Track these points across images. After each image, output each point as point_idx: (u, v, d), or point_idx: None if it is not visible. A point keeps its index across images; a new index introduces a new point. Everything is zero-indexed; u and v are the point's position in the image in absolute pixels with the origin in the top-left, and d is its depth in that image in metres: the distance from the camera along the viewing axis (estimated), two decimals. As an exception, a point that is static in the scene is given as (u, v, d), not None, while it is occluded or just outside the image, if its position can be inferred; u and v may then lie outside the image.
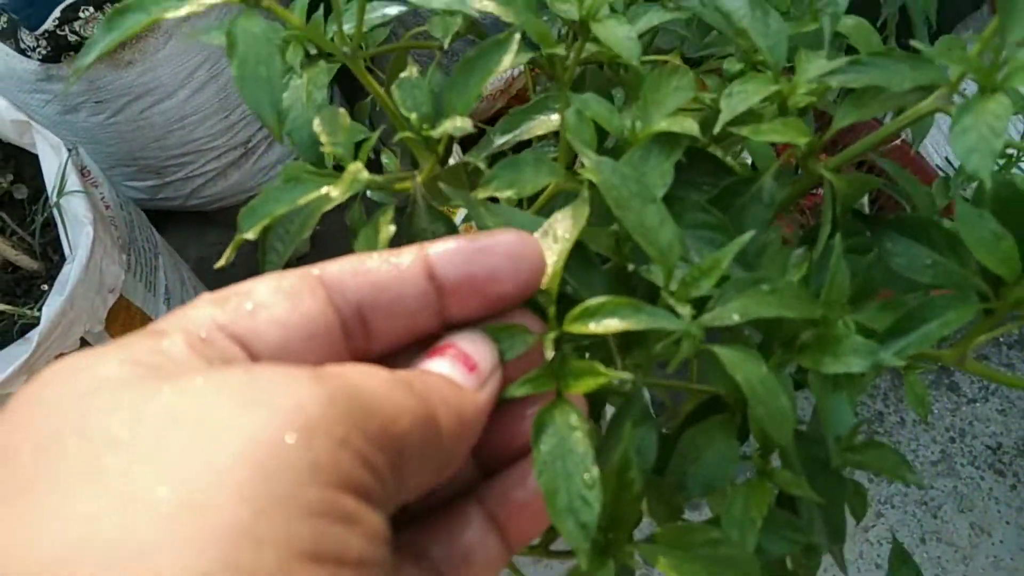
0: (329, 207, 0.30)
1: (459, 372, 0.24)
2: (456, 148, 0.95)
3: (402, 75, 0.32)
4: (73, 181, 0.88)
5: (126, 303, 0.95)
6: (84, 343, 0.90)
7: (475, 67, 0.31)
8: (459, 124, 0.29)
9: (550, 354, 0.26)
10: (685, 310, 0.27)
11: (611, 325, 0.25)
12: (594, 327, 0.26)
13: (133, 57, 1.11)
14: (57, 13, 1.00)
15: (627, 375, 0.25)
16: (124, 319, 0.95)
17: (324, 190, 0.29)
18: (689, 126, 0.29)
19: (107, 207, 0.94)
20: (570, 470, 0.24)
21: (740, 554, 0.27)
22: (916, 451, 1.35)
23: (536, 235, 0.27)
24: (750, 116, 0.32)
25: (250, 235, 0.30)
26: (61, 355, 0.88)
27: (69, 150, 0.90)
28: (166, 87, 1.17)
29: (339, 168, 0.31)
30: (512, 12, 0.31)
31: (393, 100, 0.31)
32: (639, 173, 0.29)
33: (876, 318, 0.31)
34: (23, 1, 0.98)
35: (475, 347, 0.25)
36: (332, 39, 0.35)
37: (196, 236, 1.50)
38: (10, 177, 0.97)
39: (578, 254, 0.29)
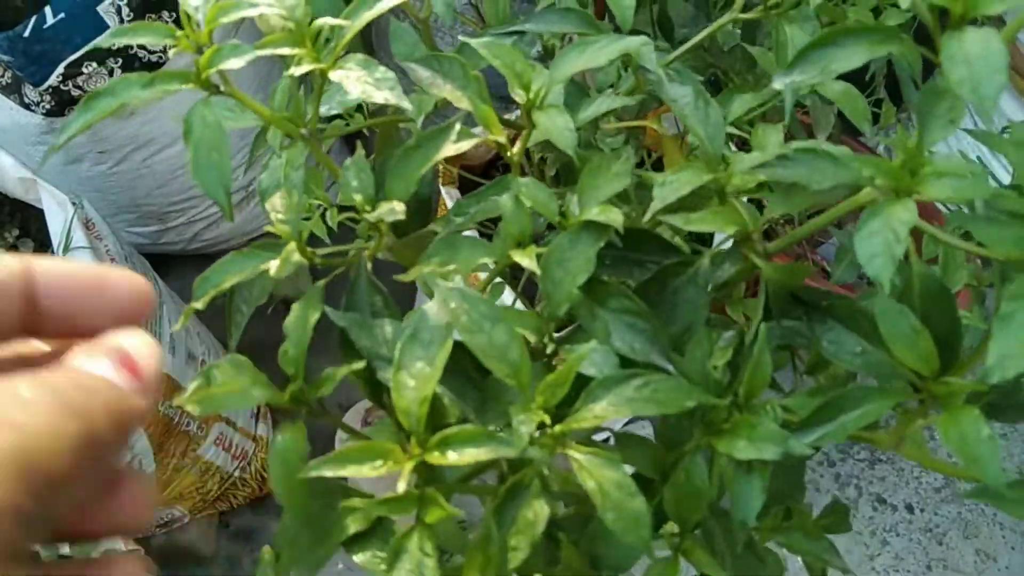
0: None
1: (124, 378, 0.24)
2: (446, 198, 0.97)
3: (349, 159, 0.34)
4: (79, 236, 0.89)
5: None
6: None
7: (415, 155, 0.32)
8: (394, 209, 0.30)
9: (402, 487, 0.27)
10: (530, 427, 0.28)
11: (469, 455, 0.27)
12: (454, 457, 0.27)
13: (136, 109, 1.13)
14: (61, 69, 1.02)
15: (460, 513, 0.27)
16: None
17: (264, 266, 0.31)
18: (614, 217, 0.31)
19: (112, 260, 0.95)
20: None
21: None
22: (919, 478, 1.35)
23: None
24: (691, 200, 0.33)
25: (199, 305, 0.32)
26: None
27: (74, 204, 0.92)
28: (168, 135, 1.19)
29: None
30: (465, 99, 0.32)
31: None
32: (566, 259, 0.31)
33: (805, 403, 0.32)
34: (27, 58, 1.00)
35: (141, 352, 0.25)
36: (308, 120, 0.37)
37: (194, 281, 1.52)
38: (16, 232, 0.98)
39: (455, 368, 0.30)
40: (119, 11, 1.03)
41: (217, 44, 0.35)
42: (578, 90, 0.40)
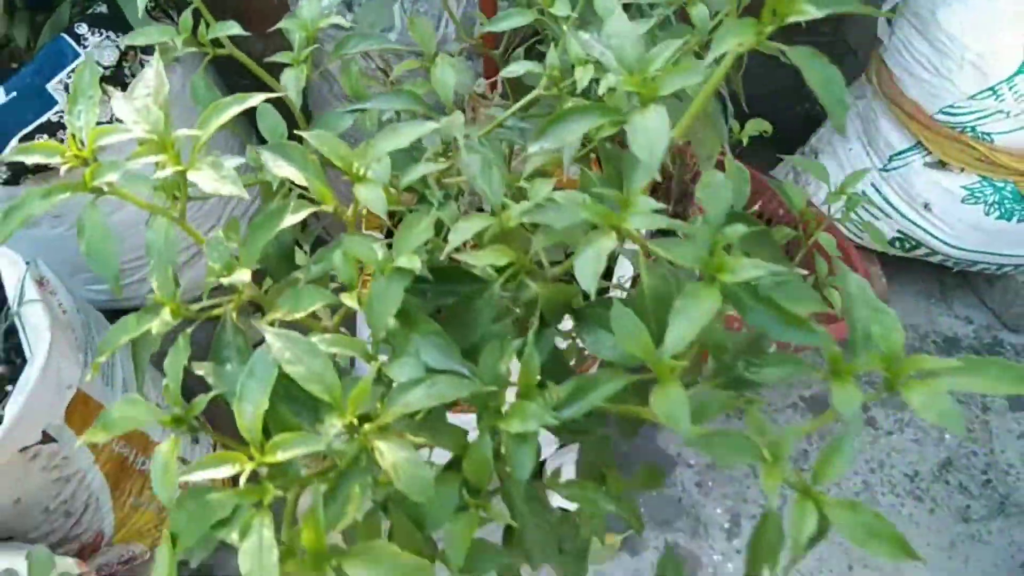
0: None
1: None
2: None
3: (211, 235, 0.43)
4: (31, 291, 0.98)
5: (84, 397, 1.04)
6: (46, 436, 0.99)
7: (260, 229, 0.42)
8: (240, 279, 0.40)
9: (243, 482, 0.37)
10: (336, 428, 0.37)
11: (292, 452, 0.37)
12: (283, 456, 0.37)
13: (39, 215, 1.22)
14: (14, 143, 1.12)
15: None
16: (83, 412, 1.04)
17: (147, 327, 0.40)
18: (414, 263, 0.40)
19: (64, 312, 1.04)
20: (264, 560, 0.35)
21: (416, 562, 0.36)
22: (839, 483, 1.44)
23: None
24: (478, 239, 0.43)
25: (101, 359, 0.42)
26: (25, 448, 0.97)
27: (27, 263, 1.01)
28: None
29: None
30: (303, 178, 0.42)
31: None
32: (382, 297, 0.40)
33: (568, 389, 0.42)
34: (-16, 135, 1.10)
35: None
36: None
37: (158, 331, 1.60)
38: (-26, 292, 1.06)
39: (292, 391, 0.40)
40: (66, 88, 1.13)
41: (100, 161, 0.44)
42: (407, 156, 0.50)
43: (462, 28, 0.78)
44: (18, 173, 1.16)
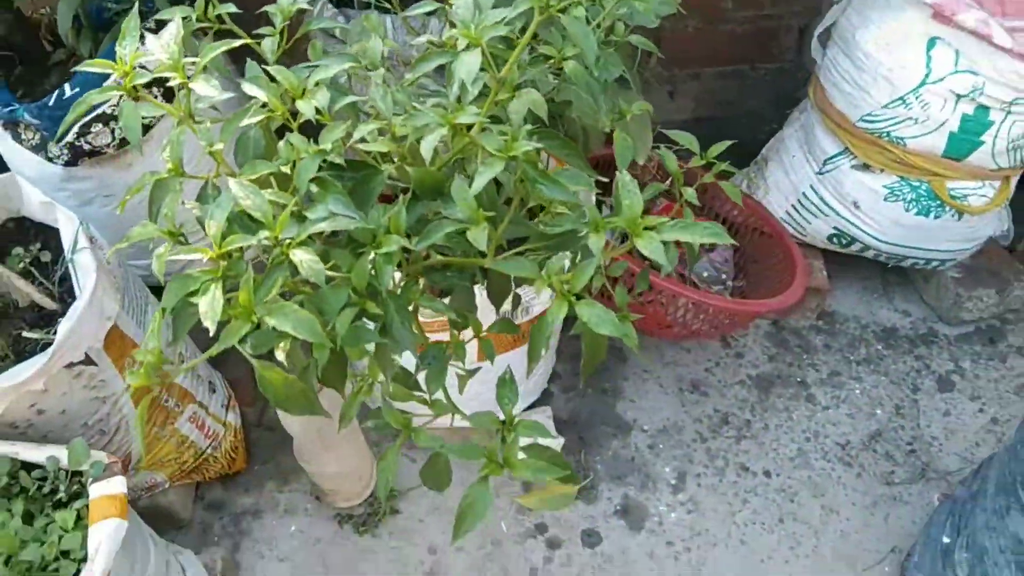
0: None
1: None
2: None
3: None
4: (83, 242, 1.22)
5: (119, 332, 1.27)
6: (88, 359, 1.22)
7: (234, 120, 0.65)
8: (217, 148, 0.63)
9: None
10: (266, 241, 0.59)
11: (237, 244, 0.59)
12: (230, 248, 0.59)
13: (133, 160, 1.48)
14: (76, 129, 1.38)
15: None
16: (119, 344, 1.27)
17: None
18: (327, 147, 0.62)
19: (108, 263, 1.28)
20: (214, 304, 0.56)
21: (307, 317, 0.57)
22: (777, 449, 1.62)
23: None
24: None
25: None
26: (71, 365, 1.20)
27: (81, 222, 1.25)
28: (158, 182, 1.54)
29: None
30: (265, 94, 0.65)
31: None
32: (307, 167, 0.63)
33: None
34: (51, 121, 1.36)
35: None
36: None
37: (188, 306, 1.84)
38: (38, 246, 1.32)
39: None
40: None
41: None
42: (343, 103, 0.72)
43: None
44: (77, 155, 1.42)
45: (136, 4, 1.34)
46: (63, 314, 1.26)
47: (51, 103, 1.34)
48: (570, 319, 0.62)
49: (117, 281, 1.29)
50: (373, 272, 0.60)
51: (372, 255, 0.61)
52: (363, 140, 0.64)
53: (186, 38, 0.69)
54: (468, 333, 0.79)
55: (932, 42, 1.42)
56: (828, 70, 1.60)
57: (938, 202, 1.56)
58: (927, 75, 1.43)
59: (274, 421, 1.70)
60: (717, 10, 1.94)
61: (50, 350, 1.14)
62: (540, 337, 0.64)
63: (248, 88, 0.66)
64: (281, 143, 0.65)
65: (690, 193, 0.93)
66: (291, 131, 0.66)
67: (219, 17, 0.81)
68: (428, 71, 0.65)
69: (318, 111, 0.65)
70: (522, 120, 0.62)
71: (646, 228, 0.60)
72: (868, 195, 1.59)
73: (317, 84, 0.65)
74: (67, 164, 1.44)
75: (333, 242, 0.64)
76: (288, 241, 0.59)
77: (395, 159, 0.66)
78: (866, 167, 1.58)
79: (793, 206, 1.72)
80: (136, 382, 0.60)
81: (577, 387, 1.70)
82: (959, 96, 1.43)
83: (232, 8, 0.80)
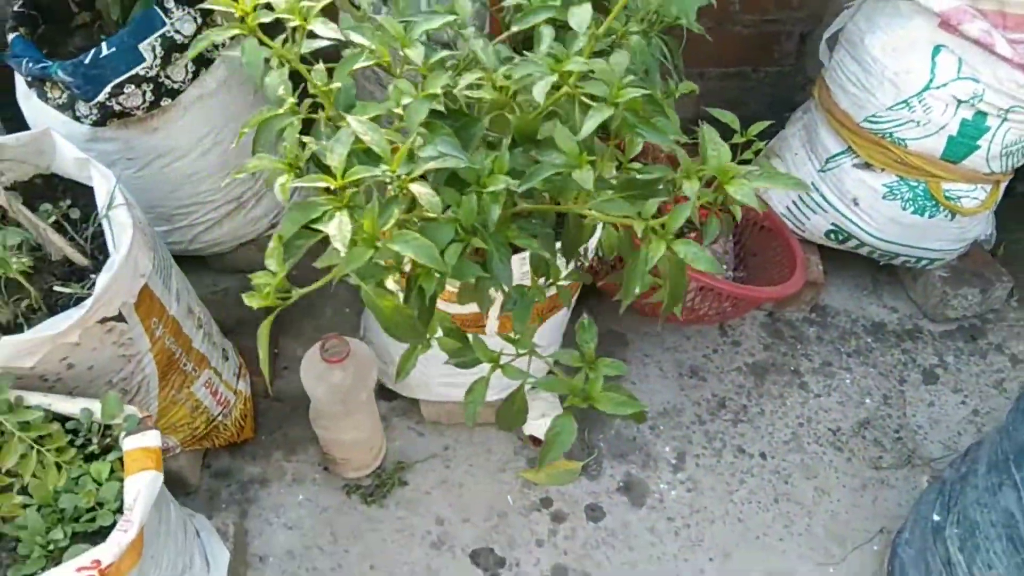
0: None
1: None
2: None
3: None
4: (119, 199, 1.24)
5: (149, 292, 1.29)
6: (119, 316, 1.23)
7: (344, 66, 0.68)
8: (334, 85, 0.66)
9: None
10: (387, 173, 0.63)
11: (360, 175, 0.62)
12: (353, 177, 0.62)
13: (159, 124, 1.49)
14: (108, 89, 1.39)
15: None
16: (148, 303, 1.28)
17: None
18: (435, 89, 0.66)
19: (139, 222, 1.29)
20: (343, 230, 0.60)
21: (426, 243, 0.61)
22: (772, 433, 1.68)
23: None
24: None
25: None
26: (104, 320, 1.21)
27: (116, 179, 1.27)
28: (181, 148, 1.55)
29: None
30: (371, 41, 0.68)
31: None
32: (417, 109, 0.66)
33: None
34: (85, 79, 1.37)
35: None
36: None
37: (194, 277, 1.84)
38: (68, 202, 1.32)
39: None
40: (153, 49, 1.40)
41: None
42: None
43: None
44: (106, 115, 1.43)
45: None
46: (95, 271, 1.27)
47: (87, 61, 1.35)
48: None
49: (148, 238, 1.30)
50: (478, 210, 0.64)
51: (477, 194, 0.65)
52: (470, 87, 0.68)
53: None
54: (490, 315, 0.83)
55: (937, 49, 1.50)
56: (835, 72, 1.67)
57: (933, 202, 1.64)
58: (931, 80, 1.51)
59: (283, 392, 1.72)
60: (726, 12, 2.01)
61: (87, 302, 1.15)
62: (635, 273, 0.68)
63: (355, 36, 0.69)
64: (391, 88, 0.68)
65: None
66: (392, 79, 0.69)
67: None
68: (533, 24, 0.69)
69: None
70: (623, 71, 0.66)
71: (734, 176, 0.65)
72: (868, 193, 1.67)
73: (423, 33, 0.69)
74: (95, 124, 1.45)
75: (437, 181, 0.68)
76: (405, 176, 0.62)
77: (490, 108, 0.70)
78: (867, 166, 1.65)
79: (794, 202, 1.79)
80: (259, 303, 0.63)
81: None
82: (960, 101, 1.51)
83: None
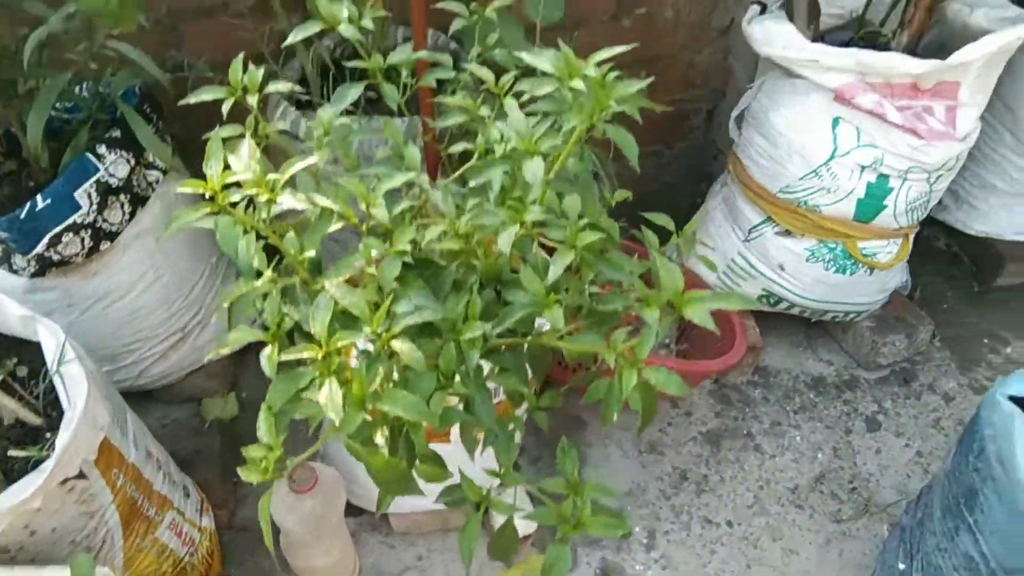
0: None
1: None
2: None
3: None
4: (70, 353, 1.22)
5: (108, 443, 1.26)
6: (80, 473, 1.21)
7: (314, 232, 0.71)
8: (308, 254, 0.69)
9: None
10: (368, 335, 0.66)
11: (346, 340, 0.65)
12: (340, 344, 0.65)
13: (98, 268, 1.49)
14: (46, 240, 1.38)
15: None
16: (107, 455, 1.26)
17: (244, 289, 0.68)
18: (405, 247, 0.70)
19: (92, 374, 1.28)
20: (334, 397, 0.63)
21: (415, 400, 0.64)
22: (735, 499, 1.73)
23: None
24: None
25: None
26: (65, 480, 1.19)
27: (64, 333, 1.25)
28: (122, 288, 1.54)
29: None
30: (338, 205, 0.72)
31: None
32: (389, 266, 0.70)
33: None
34: (21, 234, 1.36)
35: None
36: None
37: (143, 412, 1.81)
38: (15, 360, 1.30)
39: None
40: (89, 196, 1.41)
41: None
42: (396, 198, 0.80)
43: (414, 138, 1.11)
44: (45, 266, 1.42)
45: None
46: (50, 429, 1.24)
47: (23, 216, 1.35)
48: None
49: (101, 389, 1.28)
50: (457, 357, 0.68)
51: (454, 342, 0.68)
52: (437, 239, 0.72)
53: (256, 153, 0.75)
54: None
55: (836, 121, 1.62)
56: (746, 148, 1.78)
57: (852, 260, 1.74)
58: (835, 150, 1.63)
59: (246, 521, 1.68)
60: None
61: (47, 465, 1.13)
62: (611, 401, 0.72)
63: (321, 200, 0.73)
64: (361, 246, 0.71)
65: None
66: (361, 236, 0.73)
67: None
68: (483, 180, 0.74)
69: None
70: (577, 214, 0.71)
71: (690, 300, 0.70)
72: (791, 258, 1.77)
73: (385, 193, 0.73)
74: (33, 275, 1.43)
75: (412, 331, 0.71)
76: (385, 334, 0.65)
77: (455, 255, 0.74)
78: (788, 233, 1.75)
79: (724, 271, 1.88)
80: (258, 478, 0.64)
81: (544, 458, 1.77)
82: (863, 167, 1.63)
83: (283, 125, 0.87)
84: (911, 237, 1.81)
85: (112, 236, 1.48)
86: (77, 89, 1.54)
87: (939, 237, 2.28)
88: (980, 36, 1.58)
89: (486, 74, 0.85)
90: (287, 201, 0.70)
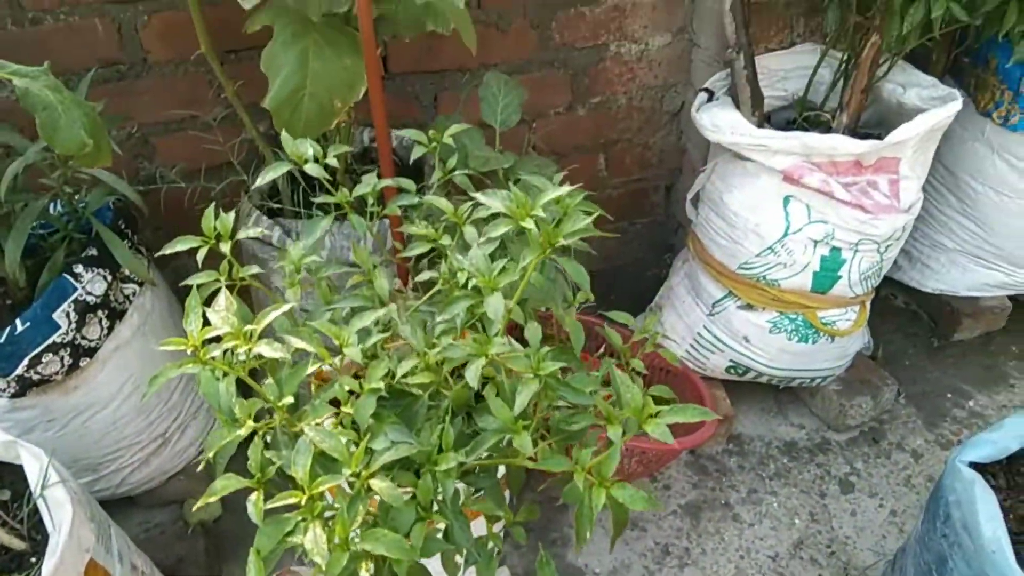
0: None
1: None
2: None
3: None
4: (54, 476, 1.24)
5: (94, 564, 1.27)
6: (66, 596, 1.21)
7: (292, 377, 0.76)
8: (285, 401, 0.73)
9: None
10: (345, 477, 0.70)
11: (328, 484, 0.69)
12: (322, 488, 0.69)
13: (78, 383, 1.51)
14: (26, 362, 1.41)
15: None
16: (92, 574, 1.27)
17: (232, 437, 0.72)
18: (378, 385, 0.74)
19: (75, 494, 1.29)
20: (319, 541, 0.66)
21: (396, 538, 0.68)
22: (717, 571, 1.75)
23: None
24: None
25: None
26: (52, 606, 1.19)
27: (47, 456, 1.27)
28: (101, 401, 1.56)
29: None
30: (312, 346, 0.76)
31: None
32: (364, 405, 0.74)
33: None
34: (0, 357, 1.39)
35: None
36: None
37: (124, 519, 1.81)
38: (-3, 485, 1.31)
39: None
40: (68, 315, 1.44)
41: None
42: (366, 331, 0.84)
43: (383, 247, 1.16)
44: (24, 387, 1.44)
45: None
46: (34, 553, 1.25)
47: (2, 340, 1.37)
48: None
49: (87, 509, 1.30)
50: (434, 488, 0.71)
51: (431, 473, 0.72)
52: (409, 373, 0.76)
53: (233, 305, 0.80)
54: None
55: (787, 200, 1.70)
56: (703, 227, 1.86)
57: (813, 330, 1.81)
58: (788, 227, 1.70)
59: None
60: (597, 179, 2.20)
61: (33, 594, 1.14)
62: (584, 520, 0.76)
63: (297, 343, 0.77)
64: (335, 386, 0.76)
65: (637, 363, 1.09)
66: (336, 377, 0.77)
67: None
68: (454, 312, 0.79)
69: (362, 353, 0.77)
70: (538, 343, 0.76)
71: (650, 416, 0.75)
72: (755, 330, 1.83)
73: (358, 332, 0.78)
74: (13, 396, 1.45)
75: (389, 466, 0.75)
76: (365, 474, 0.69)
77: (427, 387, 0.78)
78: (749, 306, 1.82)
79: (692, 345, 1.94)
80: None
81: (528, 544, 1.79)
82: (816, 242, 1.70)
83: (256, 269, 0.92)
84: (867, 303, 1.88)
85: (91, 352, 1.50)
86: (51, 206, 1.59)
87: (896, 295, 2.37)
88: (914, 114, 1.68)
89: (445, 205, 0.91)
90: (265, 352, 0.74)
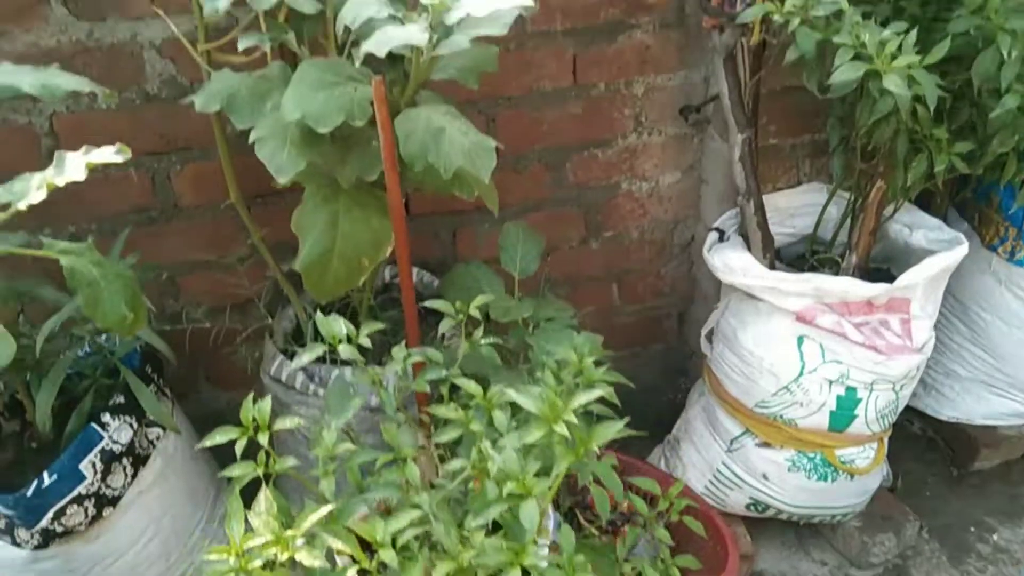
0: None
1: None
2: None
3: None
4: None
5: None
6: None
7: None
8: None
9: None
10: None
11: None
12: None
13: (101, 532, 1.51)
14: (51, 514, 1.41)
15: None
16: None
17: None
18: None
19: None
20: None
21: None
22: None
23: None
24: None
25: None
26: None
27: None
28: (123, 548, 1.56)
29: None
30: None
31: None
32: None
33: None
34: (26, 510, 1.40)
35: None
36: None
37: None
38: (16, 645, 1.31)
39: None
40: (94, 465, 1.45)
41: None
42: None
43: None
44: (48, 538, 1.45)
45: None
46: None
47: (29, 493, 1.39)
48: None
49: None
50: None
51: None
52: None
53: (273, 505, 0.81)
54: None
55: (801, 339, 1.73)
56: (718, 363, 1.88)
57: (832, 468, 1.81)
58: (803, 367, 1.72)
59: None
60: (611, 306, 2.25)
61: None
62: None
63: (336, 543, 0.78)
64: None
65: (664, 534, 1.10)
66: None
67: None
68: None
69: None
70: (572, 548, 0.78)
71: None
72: (774, 468, 1.83)
73: (394, 535, 0.79)
74: (36, 548, 1.45)
75: None
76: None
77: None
78: (767, 444, 1.82)
79: (711, 480, 1.93)
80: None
81: None
82: (831, 381, 1.72)
83: (293, 461, 0.94)
84: (885, 440, 1.89)
85: (115, 501, 1.51)
86: (79, 351, 1.62)
87: (913, 421, 2.36)
88: (921, 255, 1.72)
89: (474, 388, 0.94)
90: (304, 559, 0.75)
